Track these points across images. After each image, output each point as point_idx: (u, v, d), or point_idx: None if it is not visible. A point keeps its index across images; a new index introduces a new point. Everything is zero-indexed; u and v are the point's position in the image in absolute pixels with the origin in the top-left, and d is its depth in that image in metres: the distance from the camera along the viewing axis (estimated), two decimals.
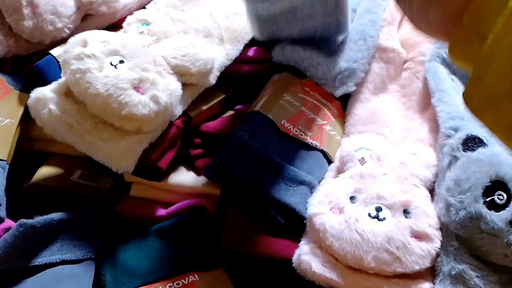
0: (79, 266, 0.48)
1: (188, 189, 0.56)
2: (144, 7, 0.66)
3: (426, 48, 0.66)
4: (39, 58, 0.60)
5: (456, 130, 0.53)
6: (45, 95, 0.51)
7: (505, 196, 0.45)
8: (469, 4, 0.30)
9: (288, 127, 0.58)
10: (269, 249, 0.52)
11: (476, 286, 0.43)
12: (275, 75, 0.65)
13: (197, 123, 0.60)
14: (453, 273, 0.44)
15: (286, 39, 0.65)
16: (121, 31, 0.60)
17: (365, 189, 0.50)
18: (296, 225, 0.52)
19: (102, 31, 0.56)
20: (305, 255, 0.48)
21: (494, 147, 0.49)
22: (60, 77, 0.58)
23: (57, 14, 0.60)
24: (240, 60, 0.65)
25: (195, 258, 0.51)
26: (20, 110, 0.58)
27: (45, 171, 0.57)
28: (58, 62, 0.59)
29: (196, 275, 0.49)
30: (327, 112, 0.63)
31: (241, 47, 0.65)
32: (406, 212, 0.48)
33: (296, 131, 0.58)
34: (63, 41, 0.61)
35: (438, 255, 0.47)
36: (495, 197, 0.45)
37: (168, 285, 0.48)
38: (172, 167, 0.57)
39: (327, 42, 0.67)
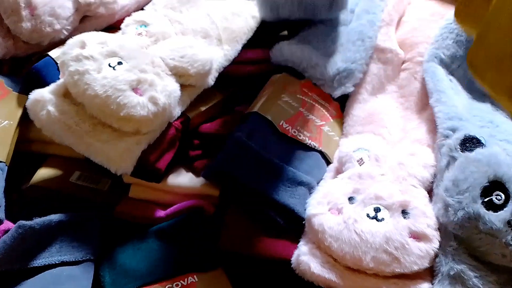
0: (78, 267, 0.48)
1: (187, 190, 0.56)
2: (142, 9, 0.66)
3: (424, 49, 0.66)
4: (37, 59, 0.60)
5: (454, 130, 0.53)
6: (43, 96, 0.51)
7: (503, 196, 0.45)
8: None
9: (287, 128, 0.58)
10: (268, 250, 0.52)
11: (475, 286, 0.44)
12: (274, 76, 0.65)
13: (195, 124, 0.60)
14: (451, 273, 0.44)
15: (290, 19, 0.65)
16: (119, 33, 0.60)
17: (363, 189, 0.50)
18: (295, 225, 0.52)
19: (100, 32, 0.56)
20: (304, 256, 0.48)
21: (492, 147, 0.50)
22: (59, 78, 0.57)
23: (55, 15, 0.60)
24: (238, 61, 0.65)
25: (194, 259, 0.51)
26: (19, 112, 0.58)
27: (43, 172, 0.57)
28: (57, 63, 0.59)
29: (195, 276, 0.50)
30: (326, 112, 0.63)
31: (239, 47, 0.65)
32: (404, 212, 0.48)
33: (294, 132, 0.58)
34: (61, 42, 0.61)
35: (436, 255, 0.47)
36: (493, 198, 0.45)
37: (167, 286, 0.48)
38: (171, 168, 0.57)
39: (325, 41, 0.68)
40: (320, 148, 0.58)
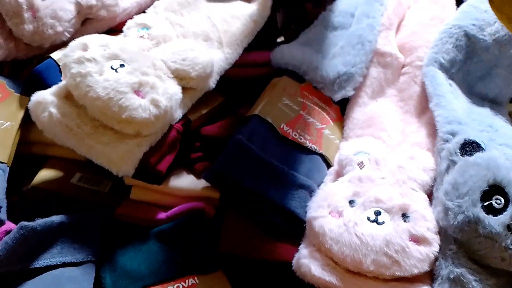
0: (79, 269, 0.48)
1: (188, 192, 0.56)
2: (143, 12, 0.66)
3: (424, 53, 0.66)
4: (39, 61, 0.60)
5: (453, 134, 0.53)
6: (45, 98, 0.51)
7: (502, 200, 0.45)
8: None
9: (287, 131, 0.58)
10: (268, 252, 0.52)
11: None
12: (274, 79, 0.65)
13: (196, 127, 0.60)
14: (451, 276, 0.45)
15: None
16: (121, 35, 0.61)
17: (363, 192, 0.50)
18: (295, 228, 0.52)
19: (102, 35, 0.56)
20: (304, 258, 0.48)
21: (491, 151, 0.50)
22: (60, 80, 0.58)
23: (57, 18, 0.60)
24: (239, 64, 0.65)
25: (194, 261, 0.51)
26: (20, 113, 0.58)
27: (44, 174, 0.57)
28: (58, 65, 0.59)
29: (195, 278, 0.50)
30: (326, 116, 0.63)
31: (240, 50, 0.66)
32: (404, 216, 0.48)
33: (295, 135, 0.58)
34: (62, 45, 0.62)
35: (436, 258, 0.47)
36: (493, 202, 0.45)
37: (168, 287, 0.49)
38: (172, 170, 0.57)
39: (325, 44, 0.68)
40: (321, 151, 0.59)
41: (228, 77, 0.64)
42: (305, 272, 0.47)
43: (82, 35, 0.57)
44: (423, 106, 0.63)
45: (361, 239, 0.46)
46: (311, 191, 0.54)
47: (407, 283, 0.46)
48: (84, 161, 0.54)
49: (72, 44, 0.53)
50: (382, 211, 0.49)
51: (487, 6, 0.64)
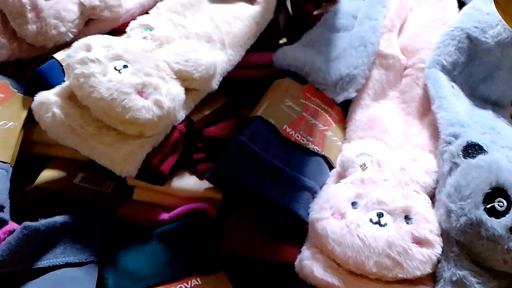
0: (82, 269, 0.48)
1: (190, 193, 0.56)
2: (146, 13, 0.66)
3: (426, 55, 0.66)
4: (42, 61, 0.61)
5: (456, 137, 0.53)
6: (49, 99, 0.51)
7: (505, 203, 0.45)
8: None
9: (290, 132, 0.58)
10: (271, 253, 0.52)
11: None
12: (277, 80, 0.65)
13: (199, 128, 0.60)
14: (454, 279, 0.45)
15: None
16: (124, 36, 0.61)
17: (366, 194, 0.51)
18: (297, 229, 0.52)
19: (105, 36, 0.56)
20: (306, 260, 0.48)
21: (493, 154, 0.50)
22: (63, 81, 0.58)
23: (61, 18, 0.60)
24: (242, 65, 0.66)
25: (197, 262, 0.51)
26: (24, 114, 0.58)
27: (47, 174, 0.57)
28: (62, 66, 0.59)
29: (198, 279, 0.50)
30: (328, 117, 0.63)
31: (242, 52, 0.66)
32: (407, 218, 0.48)
33: (297, 136, 0.58)
34: (66, 45, 0.62)
35: (439, 261, 0.47)
36: (495, 204, 0.45)
37: None
38: (174, 171, 0.57)
39: (327, 46, 0.68)
40: (323, 153, 0.59)
41: (231, 78, 0.64)
42: (308, 274, 0.47)
43: (85, 35, 0.57)
44: (425, 108, 0.63)
45: (363, 241, 0.47)
46: (313, 193, 0.54)
47: (410, 285, 0.46)
48: (86, 161, 0.54)
49: (75, 44, 0.53)
50: (384, 213, 0.49)
51: (489, 8, 0.64)
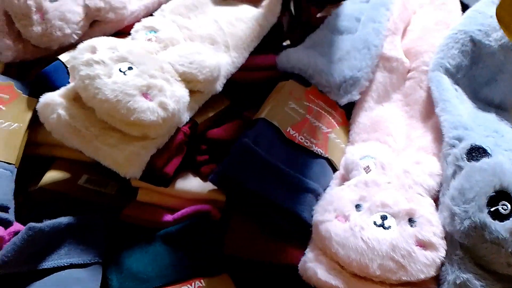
0: (86, 270, 0.49)
1: (194, 195, 0.56)
2: (151, 15, 0.66)
3: (429, 58, 0.66)
4: (46, 63, 0.61)
5: (460, 140, 0.53)
6: (54, 100, 0.51)
7: (509, 206, 0.45)
8: None
9: (294, 135, 0.58)
10: (274, 255, 0.52)
11: None
12: (280, 83, 0.65)
13: (202, 129, 0.61)
14: (457, 282, 0.45)
15: None
16: (128, 38, 0.61)
17: (370, 197, 0.51)
18: (301, 231, 0.52)
19: (110, 37, 0.56)
20: (310, 262, 0.48)
21: (497, 157, 0.50)
22: (68, 82, 0.58)
23: (66, 20, 0.60)
24: (245, 67, 0.66)
25: (200, 264, 0.51)
26: (28, 115, 0.58)
27: (52, 175, 0.57)
28: (66, 67, 0.59)
29: (202, 281, 0.50)
30: (332, 120, 0.63)
31: (246, 54, 0.66)
32: (411, 220, 0.49)
33: (301, 139, 0.58)
34: (70, 47, 0.62)
35: (442, 264, 0.47)
36: (499, 207, 0.45)
37: None
38: (178, 173, 0.57)
39: (331, 48, 0.68)
40: (326, 155, 0.59)
41: (235, 80, 0.64)
42: (311, 276, 0.48)
43: (90, 37, 0.57)
44: (429, 111, 0.63)
45: (367, 244, 0.47)
46: (317, 195, 0.54)
47: None
48: (91, 162, 0.54)
49: (80, 46, 0.53)
50: (388, 215, 0.49)
51: (492, 11, 0.64)
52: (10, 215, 0.50)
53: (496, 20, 0.63)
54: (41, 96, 0.52)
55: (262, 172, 0.54)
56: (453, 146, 0.53)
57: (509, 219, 0.44)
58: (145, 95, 0.51)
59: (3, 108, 0.57)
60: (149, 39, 0.59)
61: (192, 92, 0.57)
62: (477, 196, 0.46)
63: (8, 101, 0.58)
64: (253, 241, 0.54)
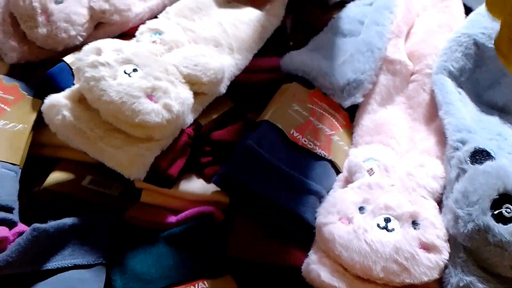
0: (90, 271, 0.49)
1: (198, 196, 0.57)
2: (155, 17, 0.66)
3: (432, 61, 0.67)
4: (51, 64, 0.61)
5: (463, 143, 0.53)
6: (59, 101, 0.52)
7: None
8: None
9: (297, 137, 0.58)
10: (277, 257, 0.53)
11: None
12: (284, 85, 0.65)
13: (206, 131, 0.61)
14: (461, 284, 0.45)
15: None
16: (133, 40, 0.61)
17: (373, 199, 0.51)
18: (304, 233, 0.52)
19: (115, 39, 0.57)
20: (313, 264, 0.48)
21: (501, 160, 0.50)
22: (73, 84, 0.58)
23: (71, 22, 0.61)
24: (249, 69, 0.66)
25: (204, 265, 0.51)
26: (33, 116, 0.58)
27: (56, 176, 0.58)
28: (71, 69, 0.60)
29: (205, 282, 0.50)
30: (335, 122, 0.63)
31: (250, 56, 0.66)
32: (414, 223, 0.49)
33: (304, 141, 0.59)
34: (75, 48, 0.62)
35: (446, 266, 0.47)
36: (503, 210, 0.45)
37: None
38: (182, 175, 0.57)
39: (335, 51, 0.68)
40: (330, 157, 0.59)
41: (238, 82, 0.64)
42: (315, 278, 0.48)
43: (95, 39, 0.57)
44: (432, 113, 0.64)
45: (370, 246, 0.47)
46: (320, 197, 0.55)
47: None
48: (95, 163, 0.55)
49: (86, 48, 0.54)
50: (392, 218, 0.49)
51: None
52: (15, 216, 0.50)
53: (499, 24, 0.64)
54: (46, 98, 0.52)
55: (265, 174, 0.54)
56: (457, 149, 0.53)
57: None
58: (150, 97, 0.51)
59: (8, 109, 0.57)
60: (154, 41, 0.59)
61: (196, 94, 0.57)
62: (480, 199, 0.46)
63: (13, 102, 0.59)
64: (256, 242, 0.54)
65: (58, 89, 0.56)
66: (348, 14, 0.75)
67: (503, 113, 0.63)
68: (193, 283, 0.50)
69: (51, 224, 0.48)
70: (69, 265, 0.48)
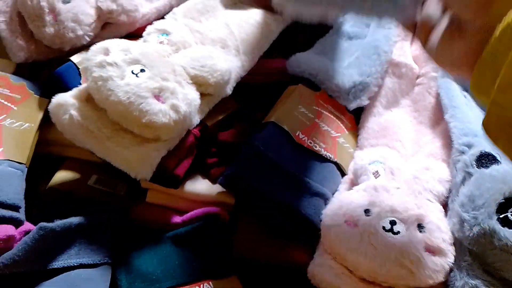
0: (96, 270, 0.49)
1: (203, 197, 0.57)
2: (162, 17, 0.67)
3: None
4: (58, 64, 0.61)
5: (469, 146, 0.53)
6: (66, 101, 0.52)
7: None
8: (487, 41, 0.32)
9: (303, 139, 0.59)
10: (282, 258, 0.53)
11: None
12: (290, 87, 0.65)
13: (212, 132, 0.61)
14: None
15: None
16: (140, 40, 0.61)
17: (379, 202, 0.51)
18: (309, 235, 0.52)
19: (123, 40, 0.57)
20: (319, 266, 0.48)
21: (507, 164, 0.50)
22: (80, 83, 0.59)
23: (78, 21, 0.61)
24: (255, 71, 0.66)
25: (209, 266, 0.51)
26: (40, 115, 0.58)
27: (62, 175, 0.58)
28: (78, 68, 0.60)
29: (210, 283, 0.50)
30: (340, 124, 0.64)
31: (256, 58, 0.66)
32: (420, 226, 0.49)
33: (310, 143, 0.59)
34: (82, 48, 0.62)
35: (451, 270, 0.47)
36: (509, 214, 0.46)
37: None
38: (188, 175, 0.57)
39: (341, 54, 0.69)
40: (335, 159, 0.59)
41: (244, 84, 0.65)
42: (320, 280, 0.48)
43: (102, 39, 0.58)
44: (437, 117, 0.64)
45: (376, 249, 0.47)
46: (325, 199, 0.55)
47: None
48: (100, 163, 0.55)
49: (93, 48, 0.54)
50: (397, 221, 0.49)
51: None
52: (21, 214, 0.50)
53: None
54: (53, 97, 0.53)
55: (270, 175, 0.54)
56: (463, 152, 0.53)
57: None
58: (157, 97, 0.51)
59: (15, 108, 0.58)
60: (161, 42, 0.59)
61: (202, 95, 0.57)
62: (486, 202, 0.46)
63: (20, 101, 0.59)
64: (262, 243, 0.54)
65: (65, 88, 0.56)
66: (354, 16, 0.75)
67: None
68: (199, 284, 0.50)
69: (58, 223, 0.48)
70: (75, 264, 0.48)
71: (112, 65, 0.51)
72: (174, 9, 0.67)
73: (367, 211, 0.50)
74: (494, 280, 0.45)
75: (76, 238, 0.50)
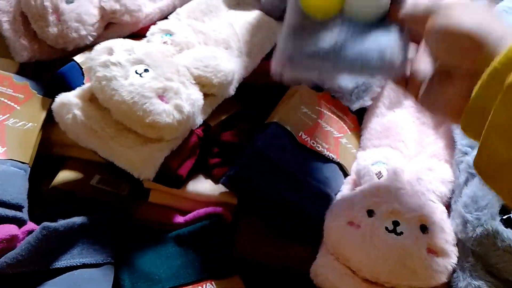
0: (98, 270, 0.49)
1: (206, 197, 0.57)
2: (165, 17, 0.67)
3: None
4: (61, 64, 0.61)
5: (472, 147, 0.53)
6: (70, 100, 0.52)
7: None
8: (475, 85, 0.33)
9: (306, 139, 0.59)
10: (285, 258, 0.53)
11: None
12: (293, 87, 0.65)
13: (215, 132, 0.61)
14: None
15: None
16: (144, 40, 0.61)
17: (382, 203, 0.51)
18: (312, 235, 0.52)
19: (127, 40, 0.57)
20: (322, 267, 0.48)
21: None
22: (83, 83, 0.59)
23: (82, 21, 0.61)
24: (258, 71, 0.66)
25: (212, 266, 0.51)
26: (43, 115, 0.59)
27: (64, 175, 0.58)
28: (81, 68, 0.60)
29: (213, 283, 0.50)
30: (343, 125, 0.64)
31: (259, 59, 0.66)
32: (423, 227, 0.49)
33: (313, 143, 0.59)
34: (85, 48, 0.63)
35: (454, 270, 0.47)
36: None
37: None
38: (191, 175, 0.57)
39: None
40: (338, 160, 0.59)
41: (247, 84, 0.65)
42: (323, 281, 0.48)
43: (105, 39, 0.58)
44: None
45: (379, 250, 0.47)
46: (328, 200, 0.55)
47: None
48: (103, 163, 0.55)
49: (97, 47, 0.54)
50: (400, 221, 0.49)
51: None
52: (24, 214, 0.50)
53: None
54: (56, 96, 0.53)
55: (273, 176, 0.54)
56: (466, 153, 0.53)
57: None
58: (161, 97, 0.52)
59: (18, 108, 0.58)
60: (165, 42, 0.59)
61: (205, 96, 0.57)
62: (489, 203, 0.46)
63: (23, 100, 0.59)
64: (264, 244, 0.54)
65: (69, 88, 0.56)
66: None
67: None
68: (201, 284, 0.50)
69: (61, 223, 0.48)
70: (78, 264, 0.48)
71: (116, 65, 0.51)
72: (178, 9, 0.67)
73: (370, 212, 0.50)
74: (497, 281, 0.45)
75: (79, 238, 0.50)
